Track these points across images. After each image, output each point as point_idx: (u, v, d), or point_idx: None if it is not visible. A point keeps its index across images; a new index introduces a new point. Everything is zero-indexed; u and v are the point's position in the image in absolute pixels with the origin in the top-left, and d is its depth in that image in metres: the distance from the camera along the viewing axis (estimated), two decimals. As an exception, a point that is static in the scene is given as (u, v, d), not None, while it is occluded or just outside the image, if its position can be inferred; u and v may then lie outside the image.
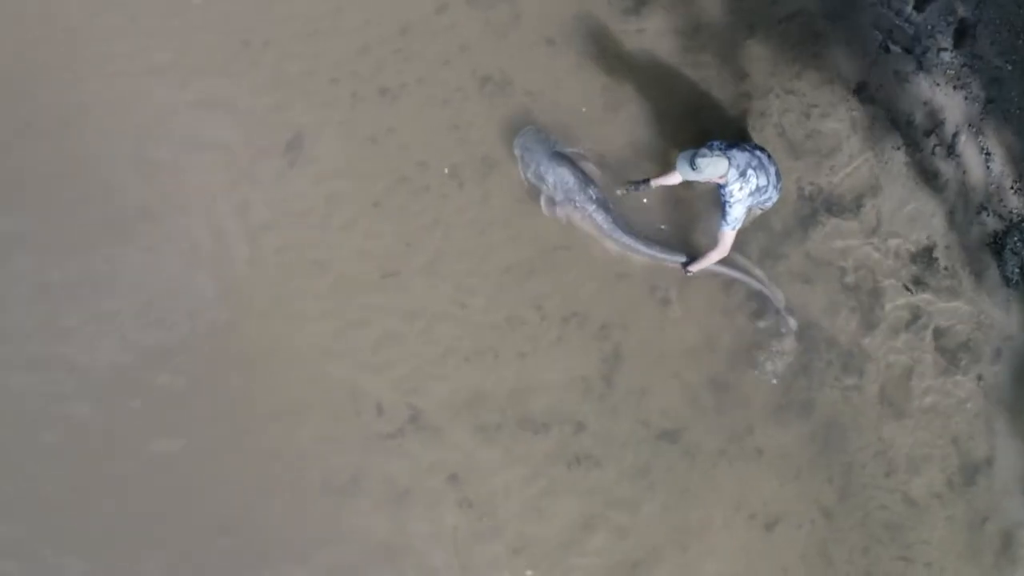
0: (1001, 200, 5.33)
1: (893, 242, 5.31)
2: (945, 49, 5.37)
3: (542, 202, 5.19)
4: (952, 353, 5.28)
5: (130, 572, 4.84)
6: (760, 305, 5.22)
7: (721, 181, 4.63)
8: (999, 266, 5.31)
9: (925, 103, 5.37)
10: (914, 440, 5.22)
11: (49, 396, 4.91)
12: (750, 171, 4.67)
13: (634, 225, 5.18)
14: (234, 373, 5.02)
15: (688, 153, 4.55)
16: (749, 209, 4.81)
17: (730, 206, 4.68)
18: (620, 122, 5.31)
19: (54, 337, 4.96)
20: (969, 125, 5.34)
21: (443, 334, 5.11)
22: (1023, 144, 5.33)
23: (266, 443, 4.97)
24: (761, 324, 5.21)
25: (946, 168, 5.36)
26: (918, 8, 5.38)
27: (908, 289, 5.30)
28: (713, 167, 4.50)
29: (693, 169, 4.50)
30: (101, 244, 5.07)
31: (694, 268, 5.06)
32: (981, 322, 5.30)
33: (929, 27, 5.38)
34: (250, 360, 5.02)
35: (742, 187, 4.65)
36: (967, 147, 5.34)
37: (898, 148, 5.37)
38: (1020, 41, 5.32)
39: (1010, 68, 5.32)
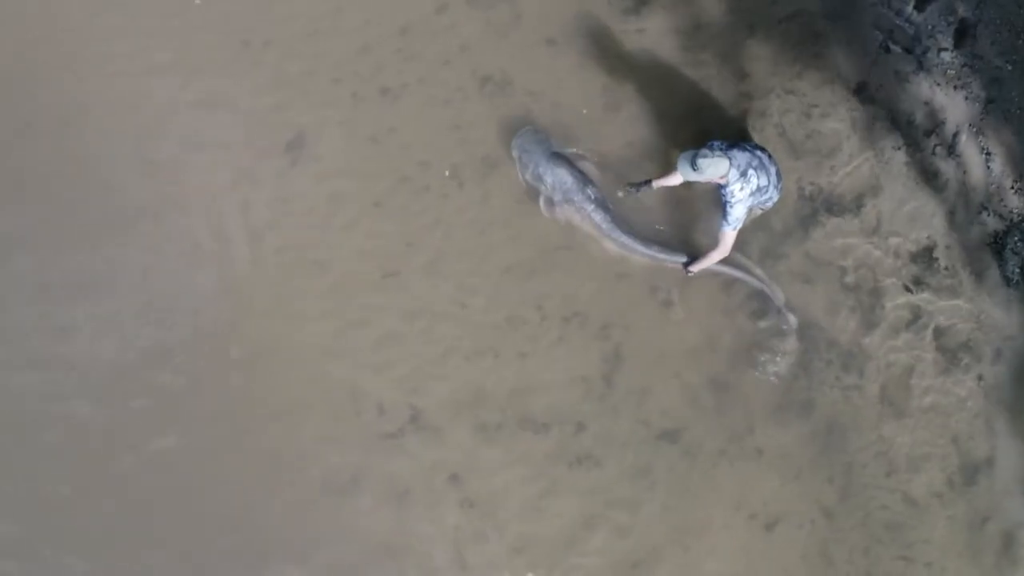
0: (1001, 200, 5.34)
1: (893, 242, 5.32)
2: (945, 49, 5.37)
3: (541, 203, 5.20)
4: (952, 353, 5.29)
5: (130, 572, 4.83)
6: (761, 305, 5.23)
7: (722, 181, 4.63)
8: (999, 266, 5.31)
9: (925, 103, 5.37)
10: (914, 440, 5.22)
11: (49, 395, 4.91)
12: (751, 171, 4.67)
13: (633, 225, 5.19)
14: (234, 373, 5.02)
15: (689, 154, 4.55)
16: (750, 209, 4.81)
17: (731, 206, 4.68)
18: (621, 122, 5.31)
19: (54, 337, 4.96)
20: (969, 125, 5.35)
21: (444, 334, 5.11)
22: (1023, 144, 5.34)
23: (266, 443, 4.96)
24: (762, 324, 5.22)
25: (946, 168, 5.36)
26: (918, 8, 5.39)
27: (908, 289, 5.30)
28: (714, 167, 4.51)
29: (694, 170, 4.50)
30: (101, 244, 5.07)
31: (695, 268, 5.06)
32: (981, 322, 5.31)
33: (929, 27, 5.39)
34: (250, 360, 5.02)
35: (743, 187, 4.65)
36: (967, 147, 5.35)
37: (898, 148, 5.37)
38: (1020, 41, 5.32)
39: (1010, 68, 5.32)
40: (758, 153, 4.78)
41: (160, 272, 5.07)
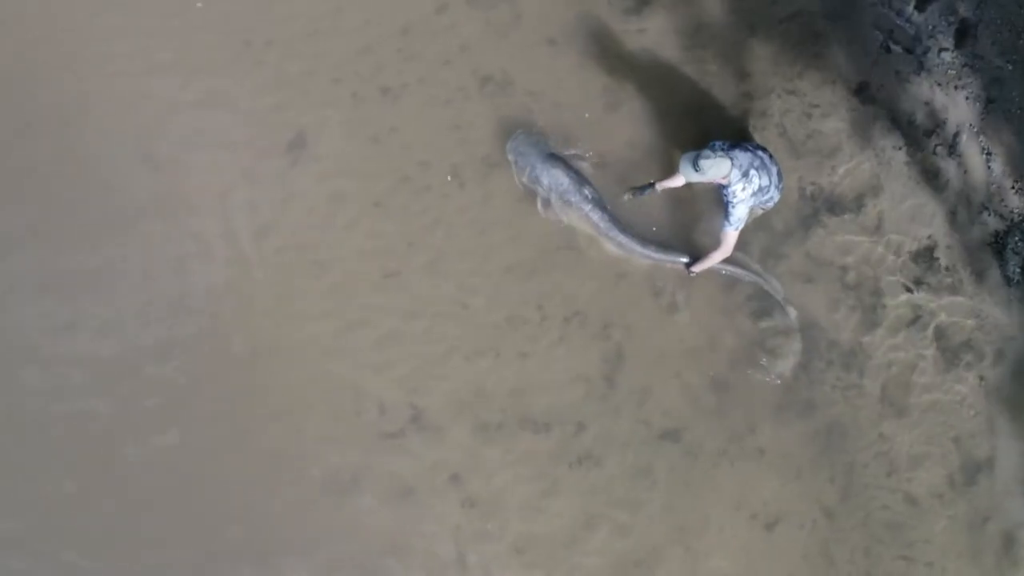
0: (1002, 200, 5.34)
1: (894, 241, 5.32)
2: (946, 49, 5.38)
3: (539, 204, 5.19)
4: (953, 352, 5.29)
5: (130, 571, 4.83)
6: (761, 305, 5.23)
7: (724, 182, 4.63)
8: (1000, 266, 5.32)
9: (926, 103, 5.37)
10: (915, 439, 5.23)
11: (49, 394, 4.90)
12: (752, 171, 4.68)
13: (632, 225, 5.18)
14: (235, 372, 5.01)
15: (691, 155, 4.55)
16: (751, 209, 4.81)
17: (733, 206, 4.68)
18: (621, 122, 5.31)
19: (54, 336, 4.95)
20: (970, 125, 5.35)
21: (444, 334, 5.10)
22: (1023, 144, 5.36)
23: (267, 443, 4.96)
24: (763, 324, 5.22)
25: (947, 168, 5.36)
26: (919, 8, 5.39)
27: (909, 288, 5.30)
28: (716, 168, 4.51)
29: (696, 170, 4.50)
30: (101, 244, 5.06)
31: (697, 268, 5.07)
32: (982, 321, 5.31)
33: (930, 27, 5.39)
34: (251, 359, 5.02)
35: (745, 187, 4.65)
36: (968, 147, 5.35)
37: (899, 148, 5.37)
38: (1021, 41, 5.33)
39: (1011, 68, 5.33)
40: (759, 153, 4.78)
41: (160, 272, 5.06)
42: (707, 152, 4.55)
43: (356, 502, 4.94)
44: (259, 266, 5.09)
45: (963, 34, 5.38)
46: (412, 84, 5.27)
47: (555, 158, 5.17)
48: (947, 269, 5.32)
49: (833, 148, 5.36)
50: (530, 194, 5.21)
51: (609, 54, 5.37)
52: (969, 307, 5.32)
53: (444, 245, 5.17)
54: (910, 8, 5.40)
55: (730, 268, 5.15)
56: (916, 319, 5.29)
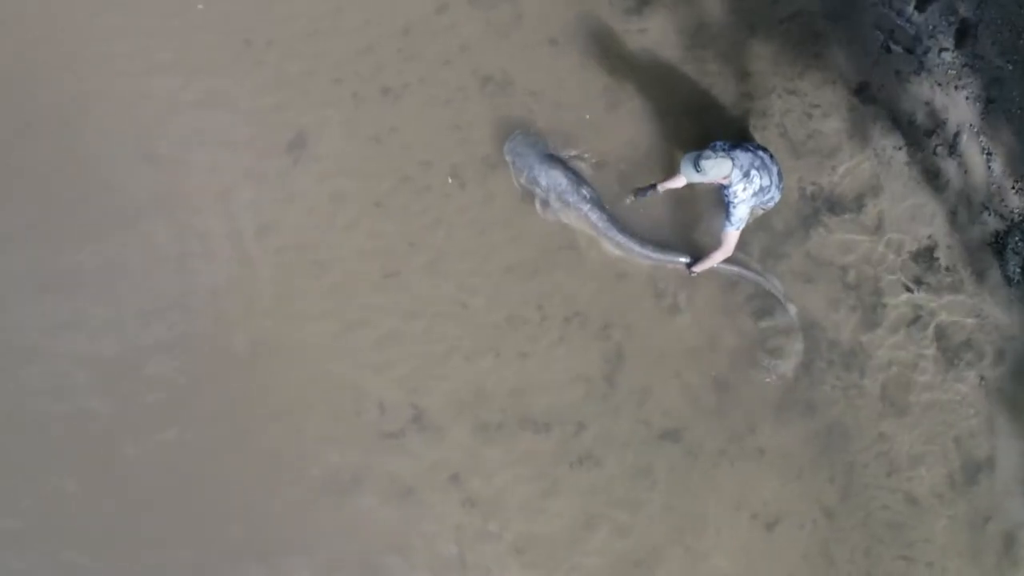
0: (1002, 200, 5.34)
1: (894, 241, 5.32)
2: (946, 49, 5.38)
3: (537, 205, 5.19)
4: (954, 352, 5.29)
5: (130, 571, 4.83)
6: (762, 305, 5.23)
7: (725, 182, 4.63)
8: (1000, 266, 5.32)
9: (926, 103, 5.38)
10: (915, 439, 5.23)
11: (49, 393, 4.90)
12: (753, 171, 4.68)
13: (632, 225, 5.18)
14: (235, 372, 5.01)
15: (692, 155, 4.55)
16: (752, 209, 4.81)
17: (734, 207, 4.68)
18: (622, 122, 5.31)
19: (54, 335, 4.95)
20: (970, 125, 5.35)
21: (445, 334, 5.10)
22: (1024, 144, 5.36)
23: (267, 443, 4.96)
24: (763, 324, 5.22)
25: (947, 168, 5.36)
26: (919, 8, 5.39)
27: (909, 288, 5.31)
28: (717, 168, 4.51)
29: (697, 171, 4.50)
30: (102, 243, 5.06)
31: (698, 268, 5.07)
32: (983, 322, 5.31)
33: (930, 27, 5.39)
34: (251, 359, 5.02)
35: (746, 187, 4.65)
36: (968, 147, 5.35)
37: (899, 148, 5.37)
38: (1021, 41, 5.33)
39: (1011, 68, 5.33)
40: (760, 153, 4.78)
41: (160, 271, 5.06)
42: (708, 152, 4.55)
43: (356, 502, 4.94)
44: (259, 266, 5.09)
45: (963, 34, 5.38)
46: (413, 84, 5.27)
47: (553, 159, 5.17)
48: (947, 269, 5.33)
49: (833, 148, 5.36)
50: (529, 195, 5.21)
51: (610, 54, 5.37)
52: (969, 307, 5.32)
53: (444, 245, 5.17)
54: (910, 8, 5.40)
55: (730, 268, 5.15)
56: (916, 319, 5.30)
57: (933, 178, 5.36)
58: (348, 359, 5.05)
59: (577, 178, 5.15)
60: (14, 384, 4.90)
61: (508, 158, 5.19)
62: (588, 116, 5.30)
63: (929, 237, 5.34)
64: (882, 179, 5.36)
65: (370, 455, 4.98)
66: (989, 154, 5.34)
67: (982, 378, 5.29)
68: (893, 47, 5.41)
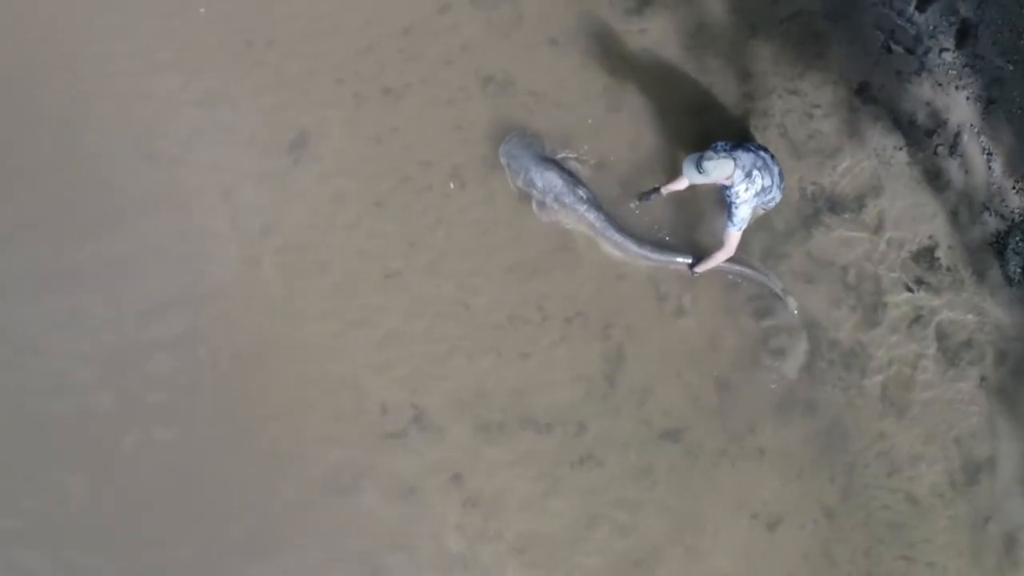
0: (1003, 200, 5.35)
1: (895, 241, 5.32)
2: (947, 49, 5.38)
3: (534, 207, 5.19)
4: (954, 353, 5.30)
5: (130, 571, 4.83)
6: (764, 305, 5.23)
7: (727, 183, 4.63)
8: (1001, 266, 5.32)
9: (927, 103, 5.38)
10: (916, 439, 5.23)
11: (48, 393, 4.90)
12: (755, 172, 4.68)
13: (632, 225, 5.18)
14: (235, 372, 5.01)
15: (694, 156, 4.55)
16: (753, 209, 4.81)
17: (736, 207, 4.68)
18: (623, 122, 5.31)
19: (54, 335, 4.95)
20: (971, 125, 5.36)
21: (445, 334, 5.10)
22: (1024, 144, 5.36)
23: (267, 443, 4.96)
24: (765, 324, 5.22)
25: (948, 168, 5.37)
26: (920, 8, 5.39)
27: (910, 288, 5.31)
28: (719, 169, 4.51)
29: (700, 172, 4.50)
30: (101, 244, 5.06)
31: (700, 269, 5.07)
32: (983, 322, 5.31)
33: (931, 27, 5.39)
34: (251, 359, 5.02)
35: (748, 188, 4.65)
36: (969, 147, 5.36)
37: (900, 148, 5.38)
38: (1022, 41, 5.33)
39: (1012, 68, 5.33)
40: (761, 154, 4.78)
41: (160, 271, 5.06)
42: (710, 154, 4.55)
43: (357, 502, 4.95)
44: (260, 266, 5.09)
45: (964, 34, 5.38)
46: (414, 84, 5.26)
47: (548, 160, 5.17)
48: (948, 269, 5.33)
49: (834, 148, 5.36)
50: (525, 197, 5.20)
51: (611, 54, 5.37)
52: (970, 307, 5.32)
53: (445, 245, 5.17)
54: (911, 8, 5.40)
55: (729, 266, 5.14)
56: (917, 319, 5.30)
57: (934, 178, 5.37)
58: (349, 359, 5.05)
59: (573, 179, 5.15)
60: (14, 383, 4.90)
61: (503, 160, 5.19)
62: (589, 116, 5.30)
63: (930, 237, 5.34)
64: (883, 179, 5.36)
65: (371, 455, 4.98)
66: (990, 154, 5.34)
67: (983, 378, 5.29)
68: (894, 47, 5.41)
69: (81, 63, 5.21)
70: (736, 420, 5.17)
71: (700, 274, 5.12)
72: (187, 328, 5.01)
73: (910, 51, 5.40)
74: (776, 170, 4.85)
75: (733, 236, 4.78)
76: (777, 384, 5.20)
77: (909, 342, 5.28)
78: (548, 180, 5.12)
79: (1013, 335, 5.33)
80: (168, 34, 5.27)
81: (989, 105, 5.36)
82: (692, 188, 5.05)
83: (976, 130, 5.35)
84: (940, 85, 5.37)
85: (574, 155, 5.26)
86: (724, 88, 5.37)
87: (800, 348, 5.22)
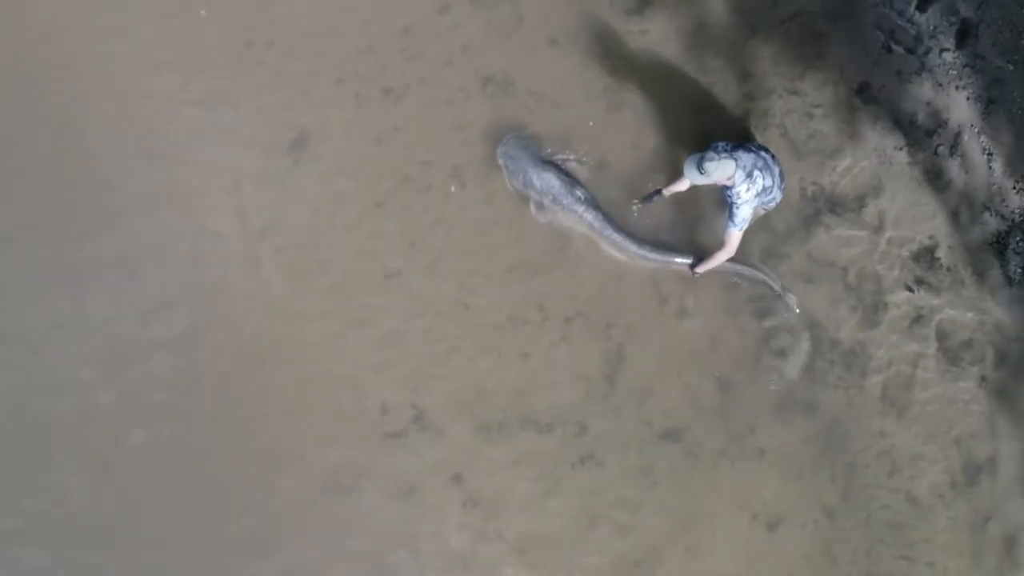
0: (1003, 200, 5.35)
1: (895, 241, 5.33)
2: (947, 49, 5.38)
3: (532, 208, 5.19)
4: (954, 353, 5.30)
5: (131, 570, 4.83)
6: (765, 305, 5.23)
7: (728, 183, 4.63)
8: (1002, 266, 5.33)
9: (927, 103, 5.38)
10: (916, 439, 5.24)
11: (49, 391, 4.89)
12: (756, 172, 4.68)
13: (629, 226, 5.19)
14: (235, 372, 5.01)
15: (695, 157, 4.55)
16: (754, 210, 4.81)
17: (737, 207, 4.68)
18: (623, 123, 5.31)
19: (54, 335, 4.95)
20: (971, 125, 5.36)
21: (446, 334, 5.10)
22: (1025, 144, 5.37)
23: (267, 443, 4.96)
24: (766, 324, 5.22)
25: (948, 168, 5.37)
26: (920, 8, 5.40)
27: (910, 289, 5.31)
28: (721, 170, 4.51)
29: (701, 173, 4.50)
30: (101, 243, 5.05)
31: (701, 269, 5.07)
32: (984, 322, 5.32)
33: (931, 27, 5.40)
34: (251, 359, 5.01)
35: (749, 188, 4.66)
36: (969, 147, 5.36)
37: (900, 148, 5.38)
38: (1022, 41, 5.33)
39: (1012, 68, 5.34)
40: (762, 154, 4.78)
41: (161, 271, 5.06)
42: (711, 154, 4.55)
43: (358, 502, 4.95)
44: (260, 266, 5.08)
45: (964, 34, 5.39)
46: (414, 84, 5.26)
47: (546, 161, 5.17)
48: (948, 269, 5.33)
49: (834, 148, 5.36)
50: (523, 198, 5.20)
51: (611, 55, 5.37)
52: (970, 307, 5.33)
53: (445, 245, 5.17)
54: (911, 8, 5.40)
55: (730, 266, 5.15)
56: (917, 319, 5.30)
57: (934, 178, 5.37)
58: (349, 359, 5.05)
59: (571, 180, 5.15)
60: (15, 382, 4.89)
61: (501, 161, 5.19)
62: (591, 121, 5.30)
63: (930, 237, 5.34)
64: (883, 179, 5.36)
65: (371, 455, 4.98)
66: (990, 154, 5.35)
67: (983, 378, 5.30)
68: (894, 47, 5.41)
69: (81, 63, 5.19)
70: (736, 420, 5.18)
71: (701, 274, 5.12)
72: (187, 328, 5.01)
73: (910, 51, 5.40)
74: (777, 170, 4.85)
75: (734, 236, 4.79)
76: (778, 384, 5.20)
77: (909, 342, 5.28)
78: (546, 181, 5.12)
79: (1013, 335, 5.33)
80: (168, 34, 5.26)
81: (989, 105, 5.36)
82: (693, 189, 5.05)
83: (976, 130, 5.35)
84: (940, 85, 5.38)
85: (573, 156, 5.26)
86: (724, 88, 5.37)
87: (802, 348, 5.23)
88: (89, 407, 4.90)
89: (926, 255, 5.34)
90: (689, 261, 5.13)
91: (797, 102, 5.39)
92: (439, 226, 5.18)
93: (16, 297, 4.97)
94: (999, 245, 5.33)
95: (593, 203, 5.15)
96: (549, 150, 5.23)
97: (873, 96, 5.40)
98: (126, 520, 4.84)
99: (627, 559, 5.02)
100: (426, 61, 5.29)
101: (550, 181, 5.11)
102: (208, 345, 5.01)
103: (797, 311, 5.23)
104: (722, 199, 4.82)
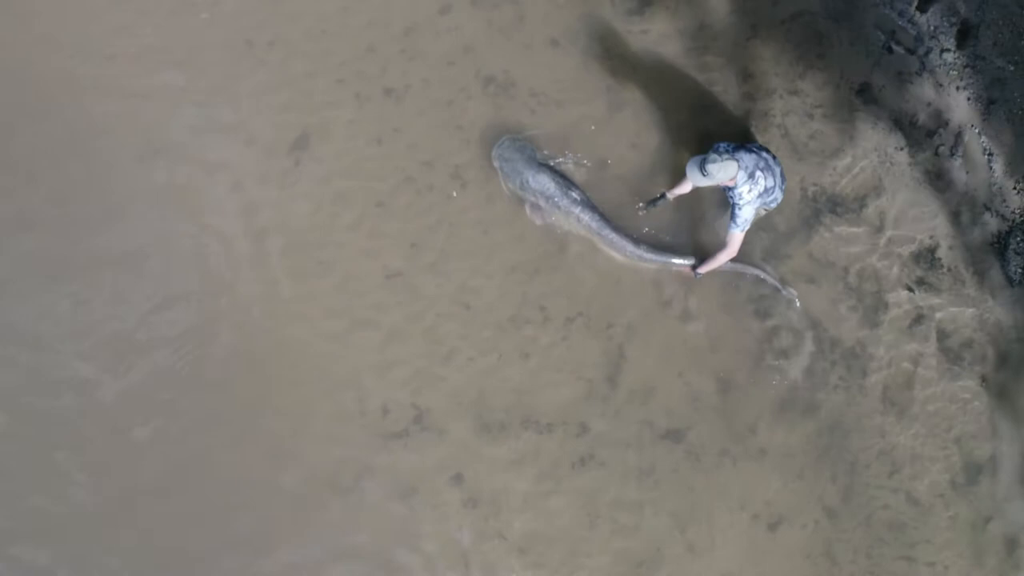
0: (1004, 200, 5.35)
1: (896, 242, 5.33)
2: (948, 50, 5.39)
3: (527, 210, 5.20)
4: (955, 353, 5.30)
5: (133, 569, 4.84)
6: (767, 305, 5.23)
7: (730, 184, 4.64)
8: (1002, 266, 5.33)
9: (928, 104, 5.38)
10: (917, 439, 5.24)
11: (49, 389, 4.91)
12: (758, 173, 4.69)
13: (628, 226, 5.19)
14: (236, 372, 5.01)
15: (697, 159, 4.56)
16: (756, 210, 4.82)
17: (739, 208, 4.69)
18: (624, 123, 5.31)
19: (55, 334, 4.95)
20: (972, 126, 5.36)
21: (447, 334, 5.11)
22: (1025, 145, 5.37)
23: (269, 443, 4.96)
24: (768, 324, 5.22)
25: (949, 168, 5.37)
26: (921, 9, 5.40)
27: (911, 289, 5.31)
28: (724, 171, 4.51)
29: (704, 175, 4.51)
30: (102, 242, 5.06)
31: (703, 270, 5.07)
32: (984, 322, 5.32)
33: (932, 28, 5.40)
34: (253, 359, 5.02)
35: (751, 189, 4.66)
36: (970, 148, 5.36)
37: (901, 149, 5.38)
38: (1022, 42, 5.33)
39: (1012, 69, 5.34)
40: (763, 155, 4.79)
41: (162, 270, 5.06)
42: (713, 156, 4.55)
43: (358, 502, 4.94)
44: (262, 266, 5.09)
45: (965, 35, 5.39)
46: (415, 85, 5.27)
47: (541, 163, 5.17)
48: (949, 269, 5.33)
49: (835, 149, 5.36)
50: (519, 200, 5.20)
51: (612, 55, 5.37)
52: (971, 307, 5.32)
53: (447, 245, 5.17)
54: (912, 9, 5.41)
55: (731, 266, 5.15)
56: (918, 319, 5.30)
57: (935, 179, 5.37)
58: (350, 359, 5.05)
59: (566, 181, 5.15)
60: (16, 379, 4.89)
61: (496, 164, 5.19)
62: (592, 121, 5.30)
63: (931, 237, 5.35)
64: (884, 180, 5.36)
65: (372, 455, 4.98)
66: (990, 154, 5.35)
67: (983, 378, 5.30)
68: (895, 48, 5.42)
69: (84, 61, 5.21)
70: (738, 420, 5.17)
71: (703, 275, 5.12)
72: (188, 327, 5.01)
73: (911, 51, 5.41)
74: (778, 171, 4.85)
75: (736, 237, 4.79)
76: (779, 384, 5.20)
77: (910, 342, 5.28)
78: (541, 183, 5.12)
79: (1014, 335, 5.33)
80: (170, 34, 5.27)
81: (990, 105, 5.36)
82: (694, 190, 5.06)
83: (977, 130, 5.36)
84: (941, 85, 5.38)
85: (570, 157, 5.26)
86: (725, 88, 5.38)
87: (805, 348, 5.23)
88: (90, 405, 4.90)
89: (927, 255, 5.34)
90: (687, 261, 5.13)
91: (798, 102, 5.39)
92: (440, 226, 5.19)
93: (17, 295, 4.97)
94: (999, 245, 5.33)
95: (589, 204, 5.15)
96: (546, 152, 5.24)
97: (874, 96, 5.40)
98: (126, 519, 4.84)
99: (629, 559, 5.02)
100: (427, 61, 5.30)
101: (545, 183, 5.11)
102: (208, 344, 5.01)
103: (798, 304, 5.22)
104: (723, 200, 4.82)
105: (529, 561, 4.96)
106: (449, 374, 5.08)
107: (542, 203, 5.15)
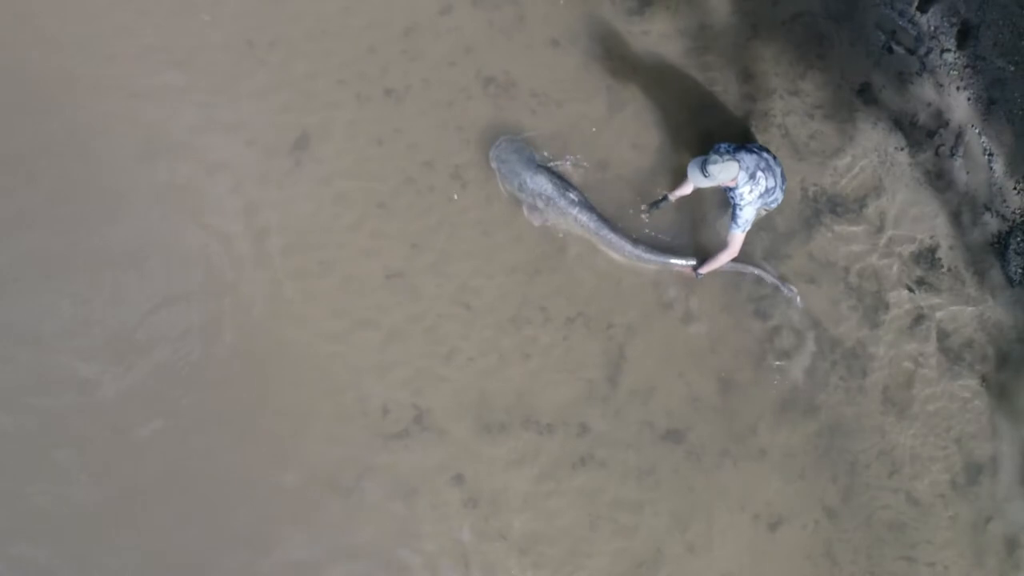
0: (1004, 200, 5.35)
1: (896, 242, 5.33)
2: (948, 50, 5.39)
3: (525, 211, 5.20)
4: (956, 353, 5.30)
5: (133, 569, 4.83)
6: (767, 305, 5.23)
7: (732, 184, 4.64)
8: (1002, 266, 5.33)
9: (928, 104, 5.39)
10: (917, 439, 5.24)
11: (49, 387, 4.90)
12: (759, 173, 4.69)
13: (628, 227, 5.19)
14: (236, 371, 5.00)
15: (698, 160, 4.56)
16: (756, 211, 4.82)
17: (740, 208, 4.69)
18: (624, 123, 5.31)
19: (55, 332, 4.95)
20: (972, 126, 5.36)
21: (448, 334, 5.10)
22: (1025, 145, 5.37)
23: (269, 443, 4.96)
24: (769, 324, 5.23)
25: (949, 169, 5.38)
26: (921, 9, 5.40)
27: (911, 289, 5.31)
28: (725, 172, 4.52)
29: (705, 176, 4.51)
30: (103, 242, 5.05)
31: (704, 270, 5.07)
32: (984, 322, 5.32)
33: (932, 28, 5.40)
34: (253, 360, 5.01)
35: (752, 189, 4.67)
36: (970, 148, 5.37)
37: (901, 149, 5.38)
38: (1023, 42, 5.34)
39: (1013, 69, 5.34)
40: (764, 155, 4.79)
41: (163, 270, 5.06)
42: (714, 157, 4.55)
43: (359, 502, 4.94)
44: (262, 266, 5.08)
45: (965, 35, 5.39)
46: (416, 85, 5.27)
47: (538, 164, 5.17)
48: (949, 269, 5.33)
49: (835, 149, 5.37)
50: (516, 201, 5.21)
51: (612, 56, 5.37)
52: (971, 308, 5.33)
53: (447, 246, 5.17)
54: (912, 9, 5.41)
55: (732, 266, 5.15)
56: (918, 319, 5.31)
57: (935, 179, 5.37)
58: (351, 359, 5.04)
59: (563, 182, 5.15)
60: (15, 377, 4.89)
61: (494, 165, 5.19)
62: (592, 121, 5.30)
63: (931, 237, 5.35)
64: (884, 180, 5.37)
65: (373, 455, 4.98)
66: (991, 155, 5.35)
67: (984, 379, 5.30)
68: (895, 48, 5.42)
69: (84, 61, 5.20)
70: (738, 421, 5.18)
71: (703, 276, 5.12)
72: (189, 327, 5.01)
73: (911, 52, 5.41)
74: (778, 171, 4.86)
75: (737, 237, 4.80)
76: (780, 384, 5.20)
77: (910, 342, 5.29)
78: (538, 184, 5.11)
79: (1014, 335, 5.34)
80: (172, 33, 5.27)
81: (990, 106, 5.36)
82: (695, 190, 5.06)
83: (977, 130, 5.36)
84: (941, 86, 5.38)
85: (570, 159, 5.26)
86: (725, 89, 5.38)
87: (807, 349, 5.23)
88: (90, 405, 4.90)
89: (927, 255, 5.34)
90: (687, 261, 5.13)
91: (798, 103, 5.39)
92: (441, 227, 5.18)
93: (17, 294, 4.97)
94: (1000, 245, 5.33)
95: (587, 205, 5.15)
96: (544, 153, 5.24)
97: (874, 97, 5.41)
98: (127, 518, 4.84)
99: (629, 559, 5.02)
100: (428, 62, 5.30)
101: (543, 184, 5.11)
102: (209, 344, 5.00)
103: (799, 302, 5.22)
104: (724, 201, 4.82)
105: (529, 561, 4.96)
106: (449, 374, 5.08)
107: (540, 204, 5.15)
